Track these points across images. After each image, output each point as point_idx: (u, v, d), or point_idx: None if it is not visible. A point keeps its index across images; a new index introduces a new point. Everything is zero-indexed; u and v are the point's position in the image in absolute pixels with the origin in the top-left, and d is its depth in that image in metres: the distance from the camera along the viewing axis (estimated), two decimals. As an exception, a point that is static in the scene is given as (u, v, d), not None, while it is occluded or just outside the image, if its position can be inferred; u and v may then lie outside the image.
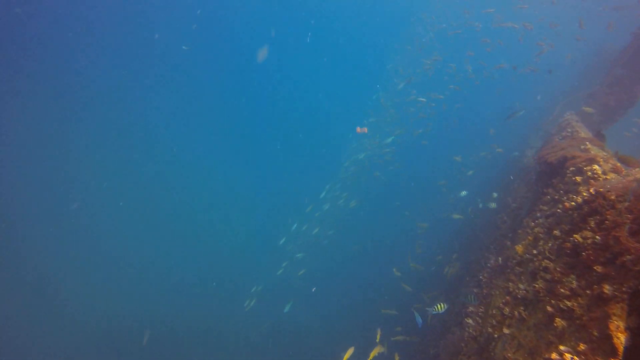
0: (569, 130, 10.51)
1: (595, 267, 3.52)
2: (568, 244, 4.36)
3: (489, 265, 8.84)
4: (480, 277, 8.58)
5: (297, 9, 39.89)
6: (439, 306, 7.07)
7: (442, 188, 19.87)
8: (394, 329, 12.10)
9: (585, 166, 6.17)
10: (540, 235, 6.05)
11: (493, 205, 17.08)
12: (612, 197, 4.13)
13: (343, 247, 23.84)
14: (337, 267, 22.59)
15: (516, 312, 4.66)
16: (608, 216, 3.98)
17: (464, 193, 15.63)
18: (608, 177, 4.91)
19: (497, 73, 20.63)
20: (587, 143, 7.74)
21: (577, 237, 4.14)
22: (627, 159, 7.08)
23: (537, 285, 4.43)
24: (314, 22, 41.53)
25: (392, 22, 41.53)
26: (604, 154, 7.24)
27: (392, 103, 25.64)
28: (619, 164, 5.32)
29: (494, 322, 5.34)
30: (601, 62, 22.11)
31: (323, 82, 44.47)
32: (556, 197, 6.80)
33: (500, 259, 8.55)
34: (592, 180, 5.37)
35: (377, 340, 11.26)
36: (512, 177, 15.67)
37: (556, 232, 5.09)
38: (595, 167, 5.61)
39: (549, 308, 3.86)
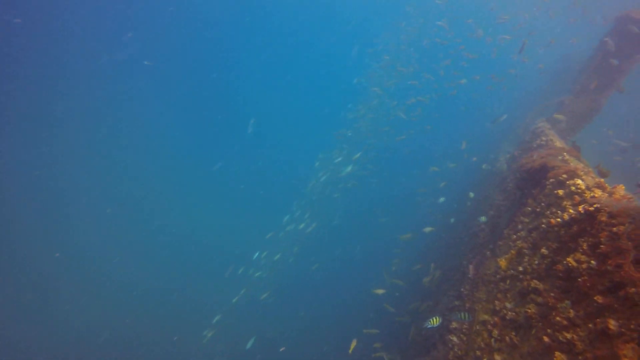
0: (544, 138, 10.64)
1: (595, 297, 3.32)
2: (560, 267, 4.18)
3: (469, 276, 8.73)
4: (462, 289, 8.43)
5: (266, 21, 39.50)
6: (433, 320, 6.92)
7: (418, 197, 19.98)
8: (373, 345, 11.84)
9: (568, 180, 6.11)
10: (525, 250, 5.92)
11: (471, 194, 17.28)
12: (604, 219, 3.98)
13: (307, 268, 23.23)
14: (305, 288, 22.06)
15: (507, 338, 4.43)
16: (602, 239, 3.81)
17: (442, 199, 15.68)
18: (594, 194, 4.79)
19: (470, 84, 20.95)
20: (565, 154, 7.76)
21: (571, 260, 3.96)
22: (605, 172, 7.16)
23: (529, 310, 4.22)
24: (279, 35, 41.14)
25: (367, 33, 41.68)
26: (582, 165, 7.27)
27: (370, 116, 25.70)
28: (602, 180, 5.24)
29: (482, 345, 5.12)
30: (567, 69, 23.02)
31: (292, 95, 44.03)
32: (537, 209, 6.73)
33: (481, 270, 8.46)
34: (576, 196, 5.26)
35: (350, 352, 10.99)
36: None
37: (544, 251, 4.92)
38: (579, 181, 5.52)
39: (545, 338, 3.63)
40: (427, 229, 13.95)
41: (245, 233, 28.02)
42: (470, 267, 9.57)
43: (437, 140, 29.95)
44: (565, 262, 4.07)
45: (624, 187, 4.84)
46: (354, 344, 10.88)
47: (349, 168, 20.58)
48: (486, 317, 6.53)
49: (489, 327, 5.20)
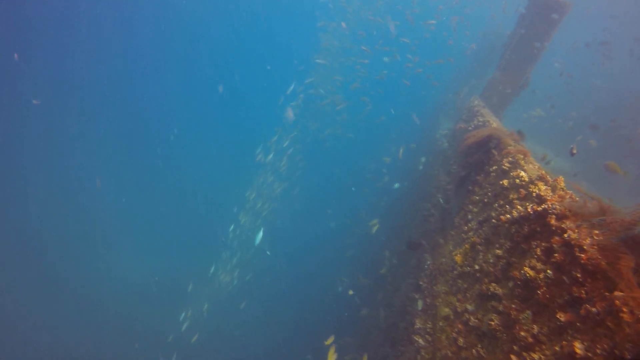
0: (481, 119, 10.95)
1: (557, 314, 3.25)
2: (517, 274, 4.15)
3: (426, 267, 8.84)
4: (420, 282, 8.51)
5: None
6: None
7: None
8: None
9: (511, 170, 6.21)
10: (478, 246, 5.96)
11: (421, 162, 17.72)
12: (553, 222, 3.97)
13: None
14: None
15: (474, 350, 4.38)
16: (555, 246, 3.79)
17: (396, 185, 15.85)
18: (538, 188, 4.83)
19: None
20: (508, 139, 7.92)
21: (528, 269, 3.92)
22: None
23: (492, 322, 4.16)
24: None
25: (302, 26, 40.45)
26: (521, 150, 7.45)
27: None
28: (543, 172, 5.32)
29: (449, 354, 5.07)
30: (489, 45, 24.19)
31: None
32: (485, 199, 6.84)
33: (436, 259, 8.60)
34: (522, 190, 5.31)
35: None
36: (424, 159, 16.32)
37: (498, 252, 4.92)
38: (522, 174, 5.58)
39: (513, 357, 3.56)
40: (373, 222, 14.08)
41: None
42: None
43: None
44: (522, 270, 4.03)
45: (563, 180, 4.92)
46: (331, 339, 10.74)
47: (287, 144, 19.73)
48: (447, 310, 6.59)
49: (454, 334, 5.16)
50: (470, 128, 11.37)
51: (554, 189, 4.85)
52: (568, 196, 4.32)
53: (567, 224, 3.76)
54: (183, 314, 17.81)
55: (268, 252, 21.23)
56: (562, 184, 4.90)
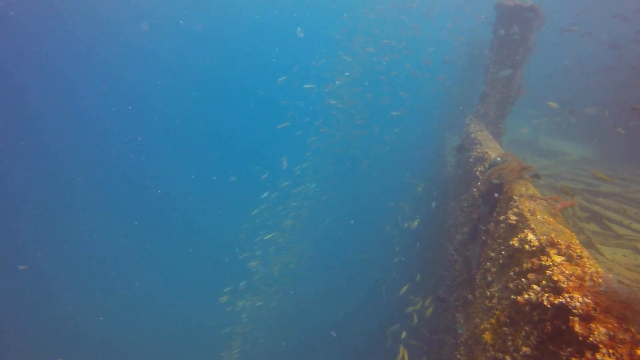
0: (479, 150, 10.18)
1: None
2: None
3: (460, 335, 7.77)
4: (457, 354, 7.44)
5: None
6: None
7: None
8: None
9: (519, 228, 5.39)
10: (504, 327, 5.04)
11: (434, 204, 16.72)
12: (578, 329, 3.13)
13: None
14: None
15: None
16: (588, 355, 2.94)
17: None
18: (553, 262, 4.01)
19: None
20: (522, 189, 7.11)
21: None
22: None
23: None
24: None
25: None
26: (525, 190, 6.60)
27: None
28: (552, 236, 4.50)
29: None
30: (473, 54, 23.76)
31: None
32: (500, 260, 5.97)
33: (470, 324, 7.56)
34: (534, 260, 4.48)
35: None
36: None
37: (525, 349, 4.03)
38: (530, 236, 4.76)
39: None
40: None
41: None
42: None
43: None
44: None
45: (578, 245, 4.09)
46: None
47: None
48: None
49: None
50: (470, 160, 10.60)
51: (569, 258, 4.03)
52: (589, 277, 3.50)
53: (597, 333, 2.92)
54: None
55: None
56: (579, 250, 4.08)
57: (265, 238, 18.91)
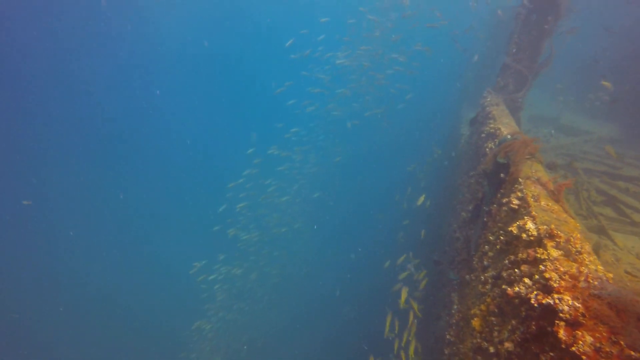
0: (492, 125, 9.55)
1: None
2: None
3: (454, 311, 7.62)
4: (447, 336, 7.33)
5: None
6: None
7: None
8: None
9: (520, 214, 5.01)
10: (492, 317, 4.81)
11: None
12: (562, 335, 2.85)
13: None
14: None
15: None
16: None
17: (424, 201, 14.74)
18: (549, 255, 3.68)
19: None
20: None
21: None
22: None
23: None
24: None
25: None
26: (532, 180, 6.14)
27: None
28: (552, 227, 4.13)
29: None
30: (500, 27, 22.21)
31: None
32: (498, 245, 5.64)
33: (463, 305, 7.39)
34: (530, 251, 4.15)
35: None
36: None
37: (508, 345, 3.80)
38: (529, 225, 4.40)
39: None
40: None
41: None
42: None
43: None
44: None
45: (580, 239, 3.73)
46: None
47: None
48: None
49: None
50: (483, 136, 10.00)
51: (567, 253, 3.68)
52: (584, 277, 3.17)
53: (582, 343, 2.64)
54: None
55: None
56: (579, 245, 3.72)
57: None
